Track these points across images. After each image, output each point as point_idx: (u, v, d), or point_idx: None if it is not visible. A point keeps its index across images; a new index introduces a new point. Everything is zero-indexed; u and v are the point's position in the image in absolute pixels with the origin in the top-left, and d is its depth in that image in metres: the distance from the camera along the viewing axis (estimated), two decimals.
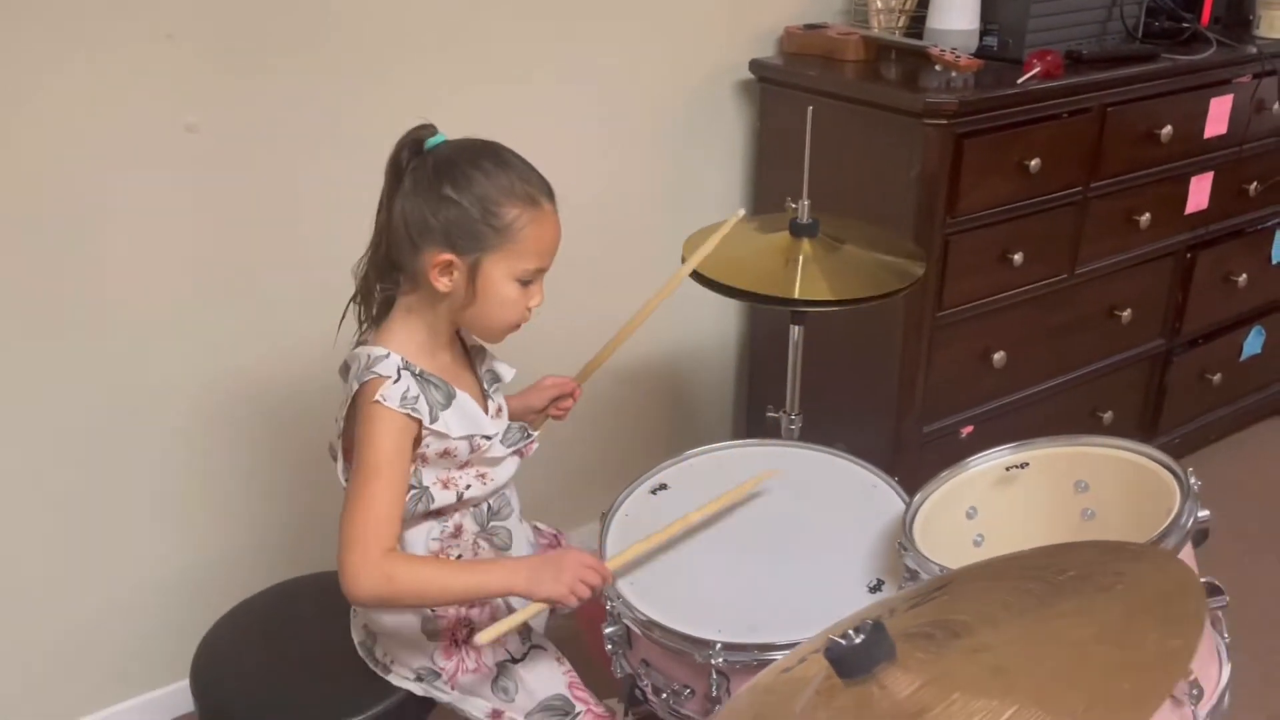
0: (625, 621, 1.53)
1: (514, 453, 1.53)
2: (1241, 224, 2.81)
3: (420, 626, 1.52)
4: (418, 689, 1.55)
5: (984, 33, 2.37)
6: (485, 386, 1.56)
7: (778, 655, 1.36)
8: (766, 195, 2.52)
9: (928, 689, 0.84)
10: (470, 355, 1.57)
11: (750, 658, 1.42)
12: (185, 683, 1.63)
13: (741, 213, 1.92)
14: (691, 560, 1.62)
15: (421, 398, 1.40)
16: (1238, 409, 3.09)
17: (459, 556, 1.53)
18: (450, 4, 2.07)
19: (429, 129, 1.41)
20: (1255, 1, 2.68)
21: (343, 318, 1.50)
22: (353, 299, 1.50)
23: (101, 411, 1.97)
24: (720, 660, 1.42)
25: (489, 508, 1.56)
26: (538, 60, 2.21)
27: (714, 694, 1.43)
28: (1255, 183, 2.74)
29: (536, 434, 1.57)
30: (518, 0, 2.15)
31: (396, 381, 1.39)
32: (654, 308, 1.77)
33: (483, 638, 1.42)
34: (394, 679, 1.56)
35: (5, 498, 1.94)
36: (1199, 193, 2.63)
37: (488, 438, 1.47)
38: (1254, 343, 3.00)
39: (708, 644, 1.43)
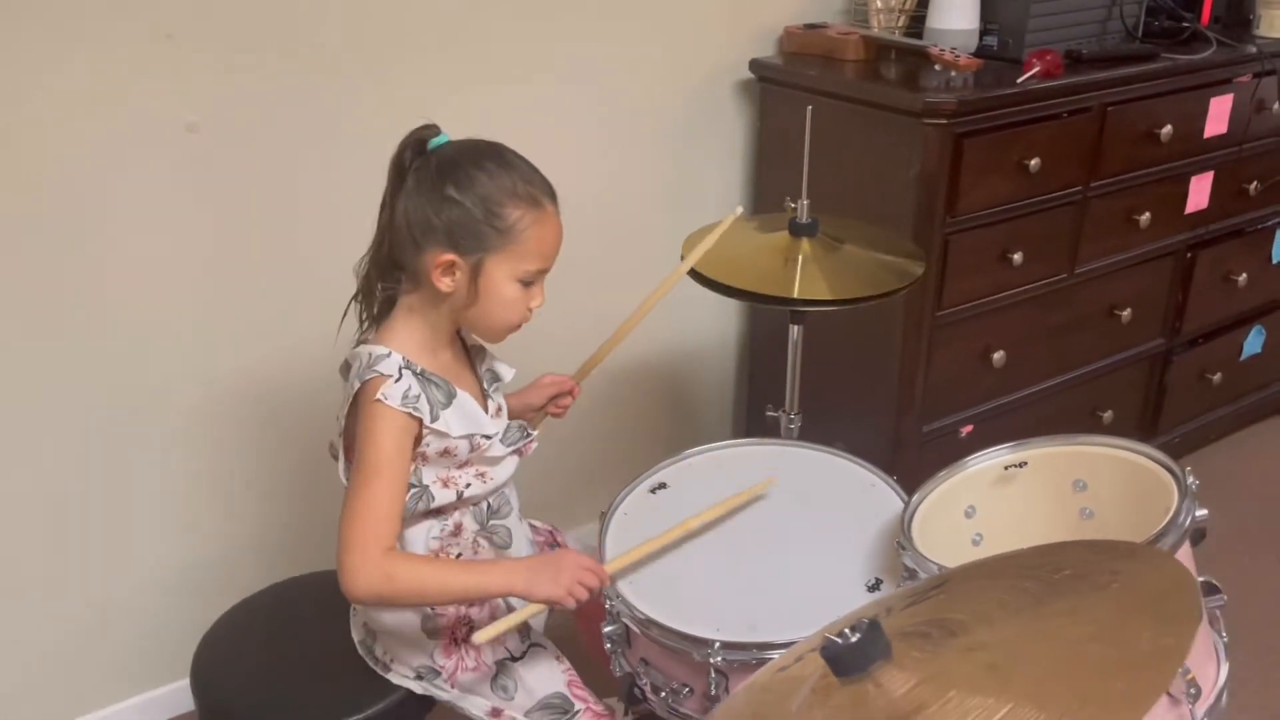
0: (624, 620, 1.54)
1: (513, 452, 1.53)
2: (1242, 223, 2.81)
3: (420, 625, 1.53)
4: (417, 687, 1.56)
5: (984, 32, 2.37)
6: (485, 386, 1.56)
7: (776, 654, 1.37)
8: (767, 195, 2.53)
9: (923, 687, 0.85)
10: (470, 355, 1.58)
11: (749, 656, 1.43)
12: (186, 681, 1.63)
13: (740, 211, 1.92)
14: (690, 559, 1.62)
15: (422, 396, 1.40)
16: (1238, 408, 3.09)
17: (459, 555, 1.54)
18: (450, 4, 2.07)
19: (432, 129, 1.41)
20: (1255, 1, 2.68)
21: (344, 316, 1.51)
22: (354, 298, 1.50)
23: (101, 411, 1.98)
24: (719, 659, 1.42)
25: (489, 506, 1.56)
26: (538, 60, 2.21)
27: (713, 692, 1.44)
28: (1255, 182, 2.74)
29: (536, 434, 1.57)
30: (518, 0, 2.15)
31: (398, 380, 1.39)
32: (651, 306, 1.77)
33: (480, 637, 1.42)
34: (394, 677, 1.56)
35: (5, 497, 1.95)
36: (1199, 192, 2.63)
37: (488, 437, 1.48)
38: (1254, 342, 3.00)
39: (706, 642, 1.44)
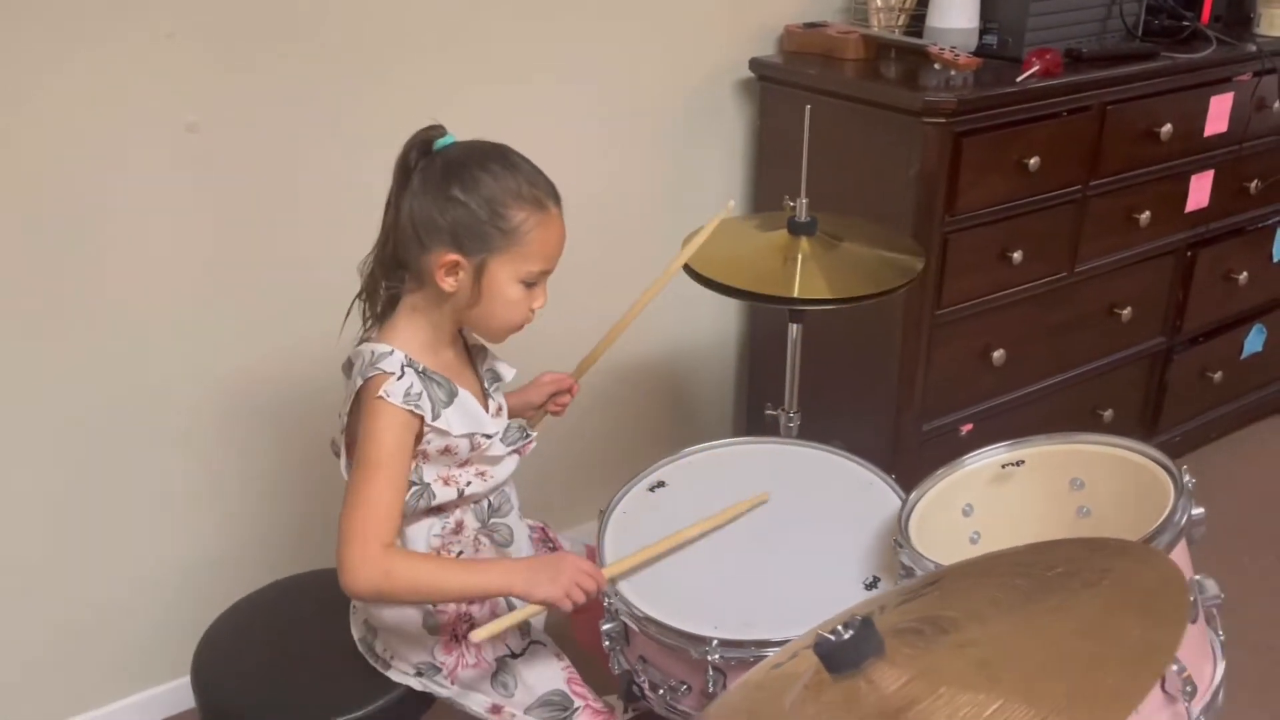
0: (622, 618, 1.54)
1: (513, 451, 1.54)
2: (1242, 222, 2.81)
3: (421, 621, 1.53)
4: (417, 684, 1.56)
5: (984, 31, 2.37)
6: (486, 385, 1.57)
7: (773, 651, 1.37)
8: (767, 194, 2.53)
9: (915, 683, 0.85)
10: (472, 354, 1.59)
11: (746, 654, 1.43)
12: (186, 679, 1.63)
13: (732, 204, 1.92)
14: (688, 557, 1.62)
15: (424, 394, 1.41)
16: (1238, 407, 3.09)
17: (460, 553, 1.54)
18: (450, 4, 2.08)
19: (438, 130, 1.42)
20: None
21: (347, 315, 1.51)
22: (358, 296, 1.51)
23: (102, 410, 1.98)
24: (716, 656, 1.43)
25: (490, 504, 1.57)
26: (538, 60, 2.21)
27: (710, 690, 1.44)
28: (1256, 181, 2.74)
29: (535, 434, 1.58)
30: (518, 0, 2.15)
31: (400, 378, 1.40)
32: (647, 302, 1.77)
33: (477, 636, 1.43)
34: (394, 674, 1.57)
35: (6, 495, 1.95)
36: (1199, 191, 2.63)
37: (488, 436, 1.48)
38: (1255, 341, 3.00)
39: (704, 640, 1.44)
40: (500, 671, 1.57)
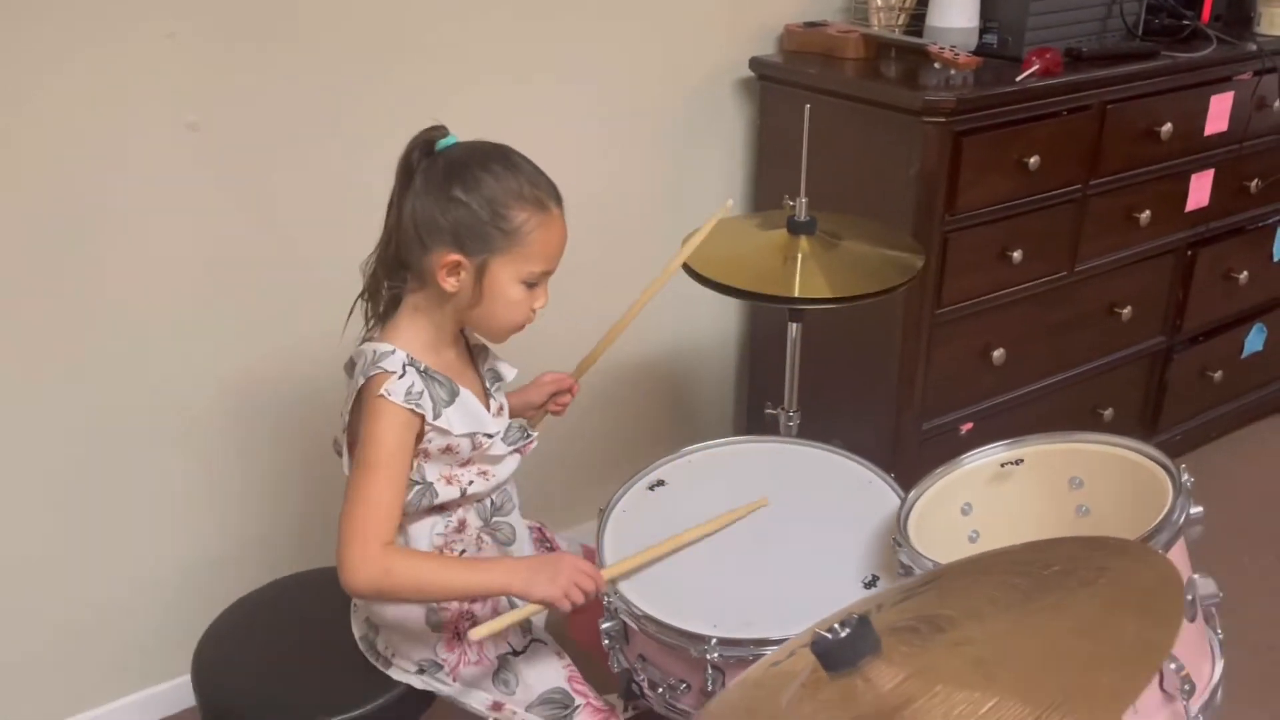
0: (622, 616, 1.54)
1: (514, 450, 1.55)
2: (1242, 221, 2.81)
3: (425, 618, 1.54)
4: (418, 682, 1.57)
5: (984, 30, 2.37)
6: (487, 385, 1.57)
7: (772, 650, 1.36)
8: (767, 193, 2.53)
9: (911, 681, 0.85)
10: (473, 354, 1.59)
11: (745, 652, 1.43)
12: (187, 678, 1.64)
13: (730, 204, 1.92)
14: (687, 556, 1.62)
15: (425, 394, 1.42)
16: (1239, 406, 3.10)
17: (463, 551, 1.55)
18: (450, 4, 2.08)
19: (440, 130, 1.42)
20: None
21: (350, 314, 1.52)
22: (360, 295, 1.52)
23: (102, 409, 1.99)
24: (715, 655, 1.43)
25: (492, 503, 1.57)
26: (538, 59, 2.22)
27: (710, 688, 1.44)
28: (1256, 180, 2.74)
29: (535, 434, 1.59)
30: (518, 0, 2.15)
31: (401, 377, 1.41)
32: (647, 300, 1.77)
33: (475, 635, 1.44)
34: (395, 672, 1.57)
35: (7, 494, 1.96)
36: (1199, 190, 2.63)
37: (489, 435, 1.49)
38: (1255, 340, 3.00)
39: (703, 639, 1.44)
40: (502, 669, 1.58)
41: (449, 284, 1.41)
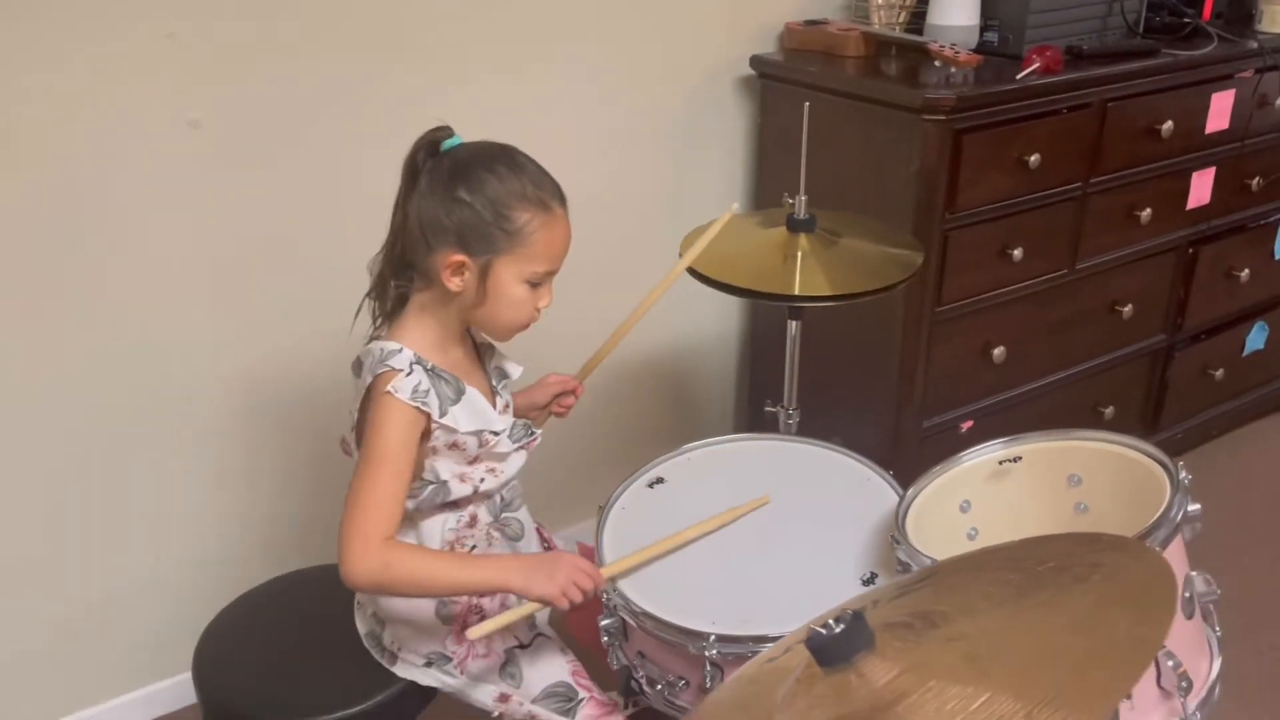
0: (621, 614, 1.55)
1: (519, 447, 1.56)
2: (1244, 219, 2.81)
3: (435, 611, 1.55)
4: (424, 676, 1.58)
5: (984, 28, 2.37)
6: (494, 383, 1.58)
7: (770, 647, 1.37)
8: (768, 191, 2.53)
9: (905, 677, 0.86)
10: (480, 352, 1.60)
11: (744, 649, 1.43)
12: (188, 675, 1.64)
13: (735, 208, 1.93)
14: (687, 553, 1.63)
15: (432, 392, 1.43)
16: (1240, 404, 3.10)
17: (473, 547, 1.56)
18: (450, 3, 2.08)
19: (445, 131, 1.43)
20: None
21: (357, 313, 1.52)
22: (368, 295, 1.52)
23: (104, 407, 1.99)
24: (714, 652, 1.43)
25: (502, 499, 1.59)
26: (539, 59, 2.22)
27: (708, 685, 1.44)
28: (1258, 178, 2.74)
29: (539, 430, 1.60)
30: (519, 0, 2.16)
31: (409, 375, 1.42)
32: (651, 304, 1.78)
33: (473, 633, 1.45)
34: (400, 667, 1.58)
35: (8, 492, 1.96)
36: (1200, 188, 2.63)
37: (495, 433, 1.50)
38: (1256, 338, 3.00)
39: (702, 636, 1.44)
40: (508, 663, 1.59)
41: (453, 284, 1.42)
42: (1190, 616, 1.36)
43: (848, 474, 1.80)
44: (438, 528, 1.53)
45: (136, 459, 2.05)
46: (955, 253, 2.24)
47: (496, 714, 1.60)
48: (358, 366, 1.49)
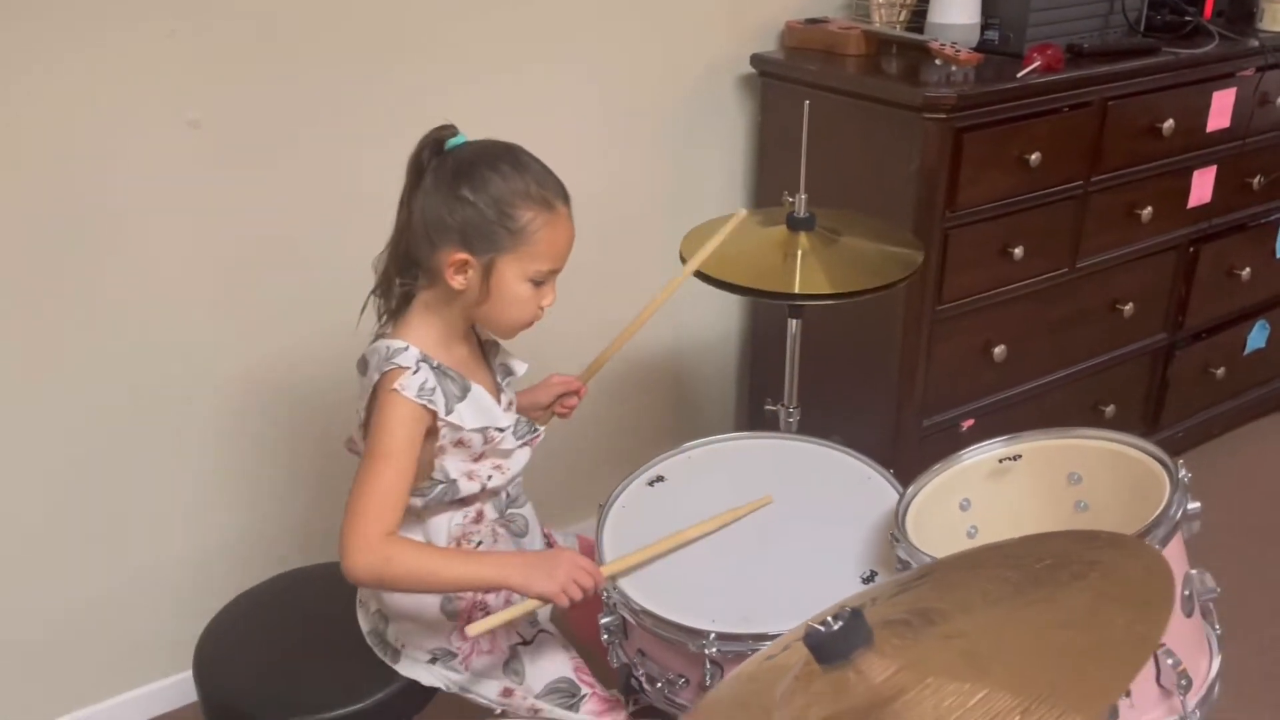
0: (621, 612, 1.55)
1: (523, 444, 1.57)
2: (1245, 218, 2.81)
3: (440, 607, 1.56)
4: (426, 674, 1.58)
5: (985, 27, 2.37)
6: (499, 380, 1.59)
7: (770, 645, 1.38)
8: (768, 190, 2.53)
9: (903, 674, 0.86)
10: (484, 349, 1.61)
11: (744, 647, 1.43)
12: (188, 673, 1.64)
13: (743, 213, 1.93)
14: (687, 551, 1.63)
15: (438, 390, 1.43)
16: (1241, 403, 3.10)
17: (479, 543, 1.57)
18: (451, 3, 2.08)
19: (450, 129, 1.44)
20: None
21: (363, 309, 1.53)
22: (373, 292, 1.53)
23: (104, 407, 2.00)
24: (714, 650, 1.43)
25: (507, 495, 1.60)
26: (539, 59, 2.22)
27: (708, 683, 1.44)
28: (1259, 176, 2.74)
29: (542, 428, 1.60)
30: None
31: (415, 373, 1.42)
32: (656, 308, 1.79)
33: (473, 629, 1.45)
34: (404, 664, 1.58)
35: (8, 491, 1.97)
36: (1201, 186, 2.63)
37: (500, 429, 1.51)
38: (1258, 337, 3.00)
39: (701, 634, 1.44)
40: (512, 659, 1.60)
41: (456, 282, 1.42)
42: (1190, 614, 1.36)
43: (848, 472, 1.80)
44: (444, 524, 1.54)
45: (136, 459, 2.06)
46: (956, 251, 2.24)
47: (499, 711, 1.61)
48: (363, 365, 1.49)
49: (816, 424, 2.04)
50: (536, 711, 1.59)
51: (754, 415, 2.73)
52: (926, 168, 2.16)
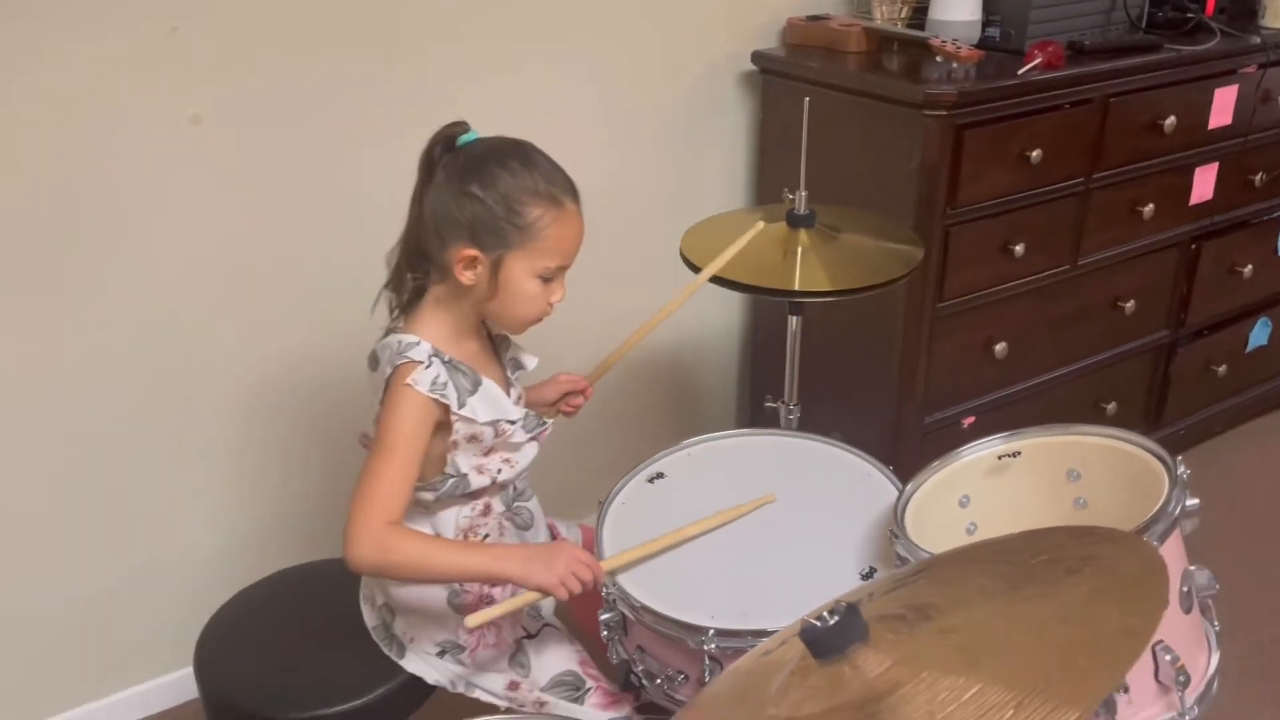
0: (620, 608, 1.55)
1: (532, 438, 1.57)
2: (1247, 215, 2.80)
3: (447, 600, 1.57)
4: (434, 667, 1.59)
5: (986, 24, 2.37)
6: (509, 374, 1.60)
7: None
8: (769, 187, 2.53)
9: (898, 668, 0.86)
10: (495, 343, 1.62)
11: (743, 644, 1.43)
12: (189, 670, 1.65)
13: (760, 224, 1.94)
14: (686, 547, 1.63)
15: (450, 384, 1.45)
16: (1243, 401, 3.09)
17: (486, 535, 1.58)
18: (451, 2, 2.08)
19: (462, 126, 1.45)
20: None
21: (375, 303, 1.54)
22: (385, 286, 1.54)
23: (104, 406, 2.00)
24: (713, 646, 1.43)
25: (515, 489, 1.61)
26: (539, 58, 2.22)
27: (707, 679, 1.45)
28: (1261, 173, 2.74)
29: (550, 421, 1.62)
30: None
31: (428, 368, 1.44)
32: (669, 313, 1.80)
33: (471, 621, 1.45)
34: (410, 658, 1.59)
35: (8, 490, 1.97)
36: (1203, 183, 2.63)
37: (511, 422, 1.52)
38: (1260, 334, 3.00)
39: (701, 630, 1.45)
40: (518, 652, 1.61)
41: (465, 277, 1.43)
42: (1188, 611, 1.36)
43: (848, 469, 1.80)
44: (452, 517, 1.55)
45: (137, 458, 2.06)
46: (957, 248, 2.24)
47: (504, 706, 1.61)
48: (374, 360, 1.51)
49: (817, 421, 2.04)
50: (542, 704, 1.60)
51: (754, 412, 2.73)
52: (927, 165, 2.15)
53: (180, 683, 2.20)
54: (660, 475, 1.79)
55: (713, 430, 1.90)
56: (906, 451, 2.35)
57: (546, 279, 1.46)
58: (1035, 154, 2.24)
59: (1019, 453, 1.61)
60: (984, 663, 0.82)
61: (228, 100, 1.93)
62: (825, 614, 0.92)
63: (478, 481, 1.52)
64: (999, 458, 1.62)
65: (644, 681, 1.56)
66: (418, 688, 1.60)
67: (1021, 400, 2.52)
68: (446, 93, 2.11)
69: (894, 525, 1.50)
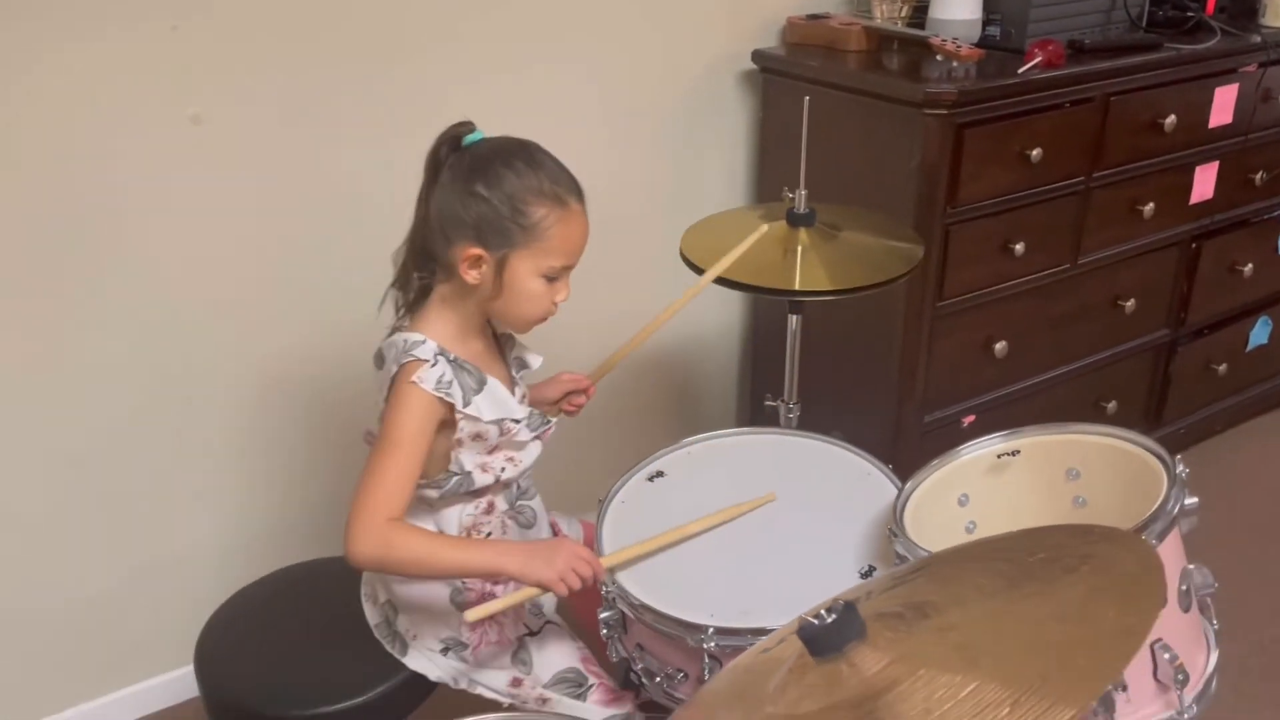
0: (620, 606, 1.55)
1: (536, 437, 1.58)
2: (1247, 214, 2.80)
3: (449, 598, 1.57)
4: (434, 667, 1.59)
5: (986, 23, 2.37)
6: (513, 373, 1.61)
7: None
8: (769, 185, 2.53)
9: (895, 666, 0.86)
10: (500, 342, 1.62)
11: (742, 642, 1.43)
12: (189, 669, 1.65)
13: (765, 228, 1.94)
14: (686, 546, 1.63)
15: (455, 383, 1.45)
16: (1243, 400, 3.09)
17: (489, 533, 1.58)
18: (451, 2, 2.08)
19: (468, 126, 1.45)
20: None
21: (382, 302, 1.54)
22: (392, 284, 1.55)
23: (104, 404, 2.00)
24: (712, 644, 1.43)
25: (518, 487, 1.62)
26: (539, 58, 2.22)
27: (706, 677, 1.45)
28: (1261, 172, 2.74)
29: (554, 419, 1.62)
30: None
31: (434, 366, 1.44)
32: (672, 314, 1.81)
33: (470, 616, 1.46)
34: (413, 655, 1.59)
35: (8, 488, 1.97)
36: (1204, 182, 2.63)
37: (516, 421, 1.52)
38: (1260, 333, 3.00)
39: (700, 628, 1.45)
40: (520, 649, 1.62)
41: (470, 277, 1.44)
42: (1187, 609, 1.36)
43: (848, 468, 1.80)
44: (456, 515, 1.55)
45: (137, 458, 2.06)
46: (957, 247, 2.24)
47: (507, 703, 1.62)
48: (379, 358, 1.51)
49: (817, 420, 2.04)
50: (545, 701, 1.60)
51: (754, 411, 2.73)
52: (927, 163, 2.16)
53: (181, 681, 2.20)
54: (660, 474, 1.80)
55: (713, 429, 1.91)
56: (906, 450, 2.35)
57: (551, 278, 1.47)
58: (1035, 153, 2.24)
59: (1018, 451, 1.62)
60: (981, 661, 0.83)
61: (228, 100, 1.93)
62: (823, 612, 0.92)
63: (482, 480, 1.52)
64: (998, 456, 1.62)
65: (643, 679, 1.56)
66: (419, 685, 1.60)
67: (1021, 399, 2.53)
68: (446, 93, 2.11)
69: (893, 524, 1.50)
